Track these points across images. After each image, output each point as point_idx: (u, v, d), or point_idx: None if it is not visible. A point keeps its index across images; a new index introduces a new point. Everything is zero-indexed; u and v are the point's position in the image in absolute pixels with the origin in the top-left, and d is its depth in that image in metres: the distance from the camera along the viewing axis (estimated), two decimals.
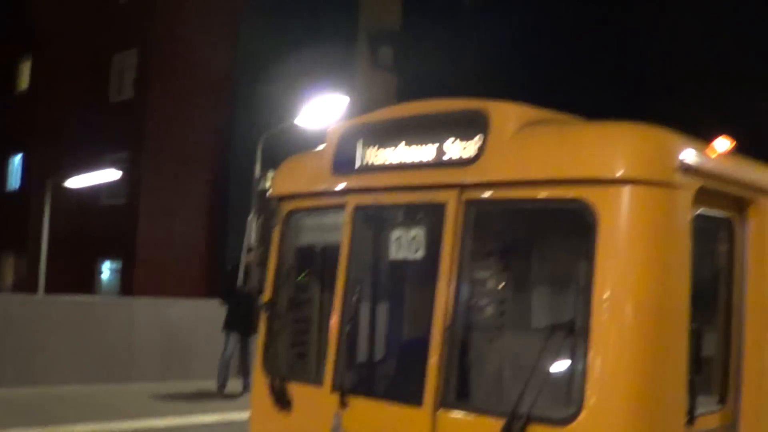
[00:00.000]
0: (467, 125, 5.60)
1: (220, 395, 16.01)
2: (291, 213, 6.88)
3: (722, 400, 5.78)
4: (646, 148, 5.11)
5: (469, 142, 5.58)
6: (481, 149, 5.48)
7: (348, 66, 31.77)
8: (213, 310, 17.04)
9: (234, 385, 16.31)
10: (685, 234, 5.20)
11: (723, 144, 5.61)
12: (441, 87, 9.40)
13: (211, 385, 16.33)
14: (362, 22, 33.18)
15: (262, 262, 7.07)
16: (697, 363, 5.33)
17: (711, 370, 5.79)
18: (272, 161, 8.74)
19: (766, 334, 6.00)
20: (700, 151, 5.41)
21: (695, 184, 5.28)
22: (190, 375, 17.68)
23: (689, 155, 5.22)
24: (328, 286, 6.59)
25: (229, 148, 34.37)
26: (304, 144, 7.65)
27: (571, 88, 22.46)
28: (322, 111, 18.84)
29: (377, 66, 33.35)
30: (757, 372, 5.90)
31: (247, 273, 16.19)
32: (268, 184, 22.64)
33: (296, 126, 20.14)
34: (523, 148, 5.34)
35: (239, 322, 16.17)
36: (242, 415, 13.48)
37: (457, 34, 30.47)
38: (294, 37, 30.61)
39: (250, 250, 16.92)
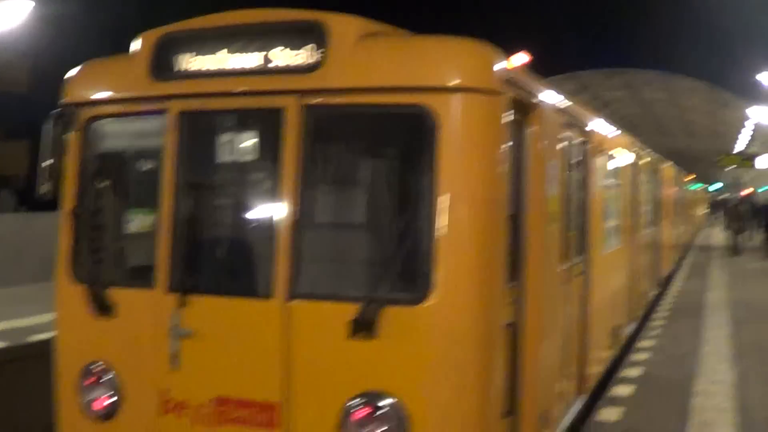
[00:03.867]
0: (302, 35, 5.94)
1: None
2: (93, 119, 6.81)
3: (514, 278, 6.66)
4: (479, 60, 5.79)
5: (304, 50, 5.92)
6: (323, 57, 5.85)
7: None
8: None
9: None
10: (504, 135, 5.97)
11: (521, 58, 6.40)
12: None
13: None
14: None
15: (54, 170, 6.89)
16: (513, 245, 6.20)
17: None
18: None
19: (541, 225, 6.97)
20: (509, 63, 6.16)
21: (511, 92, 6.04)
22: None
23: (506, 67, 5.95)
24: (147, 190, 6.66)
25: None
26: None
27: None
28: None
29: None
30: (537, 255, 6.85)
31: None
32: None
33: None
34: (366, 57, 5.80)
35: None
36: None
37: None
38: None
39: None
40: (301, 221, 5.90)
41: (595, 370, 10.54)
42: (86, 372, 6.59)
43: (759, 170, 57.87)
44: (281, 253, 5.86)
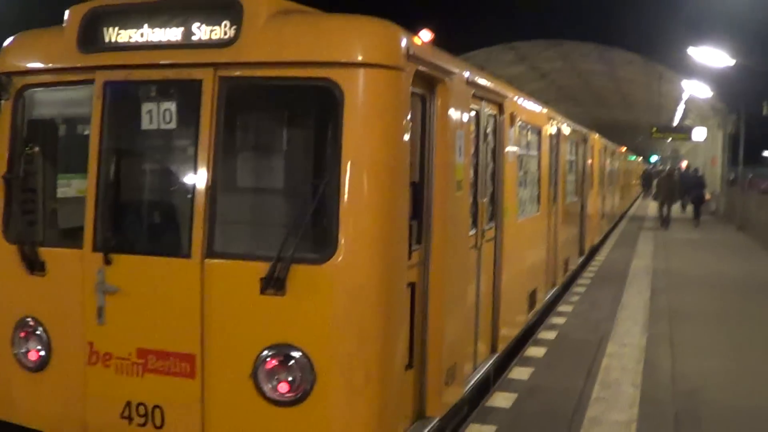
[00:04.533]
0: (219, 12, 6.40)
1: None
2: (25, 87, 7.20)
3: (419, 241, 7.20)
4: (381, 38, 6.30)
5: (220, 26, 6.38)
6: (237, 33, 6.31)
7: None
8: None
9: None
10: (406, 107, 6.48)
11: (426, 35, 6.90)
12: None
13: None
14: None
15: None
16: (413, 211, 6.74)
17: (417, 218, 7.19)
18: None
19: (447, 191, 7.50)
20: (412, 40, 6.66)
21: (413, 68, 6.55)
22: None
23: (409, 44, 6.45)
24: (76, 156, 7.08)
25: None
26: None
27: None
28: None
29: None
30: (441, 220, 7.39)
31: None
32: None
33: None
34: (277, 33, 6.27)
35: None
36: None
37: None
38: None
39: None
40: (216, 186, 6.38)
41: (509, 331, 11.14)
42: (19, 326, 7.03)
43: (696, 143, 59.21)
44: (198, 215, 6.34)
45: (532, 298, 13.23)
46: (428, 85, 7.24)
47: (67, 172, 7.59)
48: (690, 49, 31.79)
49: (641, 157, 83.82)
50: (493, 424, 8.34)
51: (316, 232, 6.26)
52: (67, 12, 6.95)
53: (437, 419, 7.50)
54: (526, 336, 12.68)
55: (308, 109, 6.86)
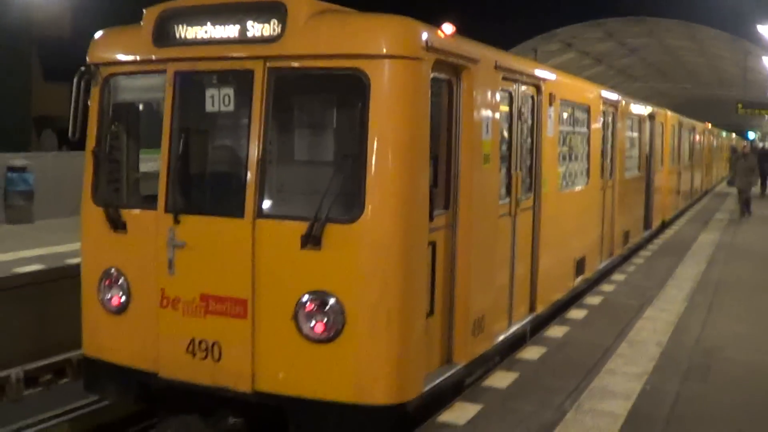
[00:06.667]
0: (268, 12, 7.61)
1: None
2: (110, 76, 8.53)
3: (446, 207, 8.33)
4: (401, 32, 7.45)
5: (269, 24, 7.60)
6: (282, 30, 7.51)
7: None
8: None
9: None
10: (427, 92, 7.60)
11: (448, 28, 7.98)
12: None
13: None
14: None
15: (77, 116, 8.57)
16: (434, 180, 7.87)
17: (441, 187, 8.30)
18: None
19: (473, 164, 8.58)
20: (434, 33, 7.75)
21: (433, 57, 7.65)
22: None
23: (429, 37, 7.55)
24: (149, 132, 8.41)
25: None
26: None
27: None
28: None
29: None
30: (468, 189, 8.48)
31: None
32: None
33: None
34: (315, 30, 7.46)
35: None
36: None
37: None
38: None
39: None
40: (265, 158, 7.61)
41: (549, 294, 12.14)
42: (104, 276, 8.39)
43: None
44: (250, 182, 7.59)
45: (580, 265, 14.16)
46: (453, 71, 8.32)
47: (144, 147, 8.90)
48: (759, 27, 31.87)
49: (734, 134, 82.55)
50: (517, 372, 9.39)
51: (346, 197, 7.43)
52: (144, 12, 8.24)
53: (463, 365, 8.63)
54: (575, 300, 13.62)
55: (341, 94, 8.09)
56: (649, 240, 22.08)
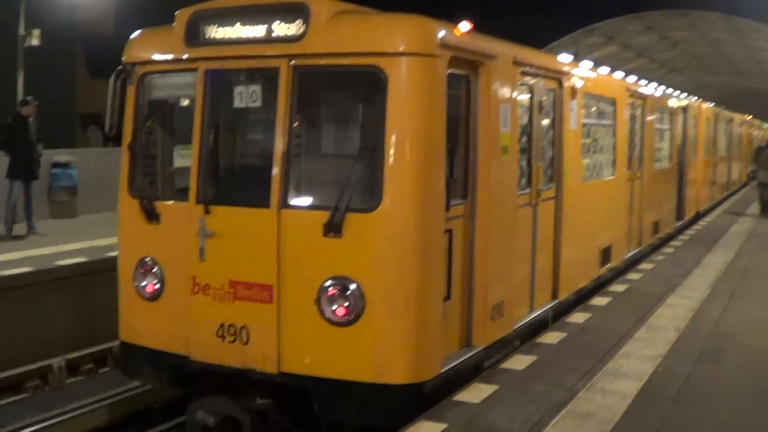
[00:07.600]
0: (292, 13, 8.03)
1: (9, 237, 17.57)
2: (145, 75, 9.01)
3: (464, 197, 8.71)
4: (417, 31, 7.84)
5: (293, 24, 8.02)
6: (305, 30, 7.93)
7: None
8: None
9: (19, 228, 17.92)
10: (443, 87, 7.98)
11: (465, 26, 8.36)
12: None
13: None
14: None
15: (113, 113, 9.06)
16: (450, 171, 8.25)
17: (459, 178, 8.69)
18: None
19: (491, 155, 8.94)
20: (451, 31, 8.13)
21: (448, 54, 8.02)
22: None
23: (444, 35, 7.93)
24: (183, 127, 8.88)
25: None
26: None
27: None
28: None
29: None
30: (485, 180, 8.85)
31: (25, 124, 17.64)
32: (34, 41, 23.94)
33: None
34: (336, 29, 7.87)
35: (22, 170, 17.71)
36: (31, 252, 15.57)
37: None
38: None
39: (25, 103, 18.32)
40: (290, 152, 8.04)
41: (572, 282, 12.47)
42: (139, 265, 8.88)
43: None
44: (275, 174, 8.01)
45: (606, 254, 14.45)
46: (471, 66, 8.70)
47: (177, 142, 9.37)
48: None
49: None
50: (536, 355, 9.74)
51: (365, 187, 7.86)
52: (176, 14, 8.71)
53: (481, 348, 9.01)
54: (600, 288, 13.92)
55: (360, 90, 8.51)
56: (681, 230, 22.25)
